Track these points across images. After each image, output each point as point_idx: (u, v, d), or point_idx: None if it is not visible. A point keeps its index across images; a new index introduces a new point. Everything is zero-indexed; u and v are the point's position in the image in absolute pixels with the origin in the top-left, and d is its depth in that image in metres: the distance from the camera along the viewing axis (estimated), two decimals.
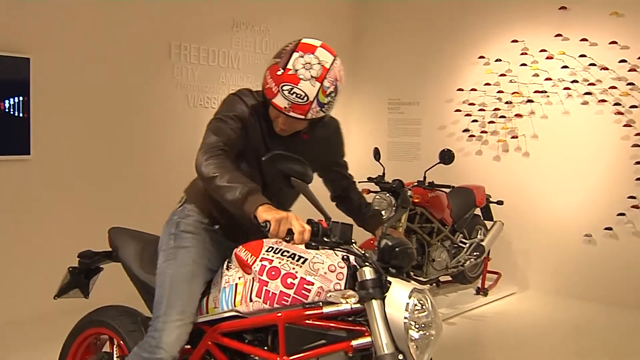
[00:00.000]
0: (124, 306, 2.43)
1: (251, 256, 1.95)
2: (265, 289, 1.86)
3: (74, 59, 4.62)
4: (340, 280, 1.81)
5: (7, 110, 4.24)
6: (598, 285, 5.36)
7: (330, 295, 1.74)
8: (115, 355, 2.41)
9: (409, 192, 4.59)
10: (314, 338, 1.80)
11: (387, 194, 4.52)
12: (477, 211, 5.42)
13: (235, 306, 1.95)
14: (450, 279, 5.43)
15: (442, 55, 6.34)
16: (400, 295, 1.70)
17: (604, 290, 5.32)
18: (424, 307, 1.73)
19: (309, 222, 1.73)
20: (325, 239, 1.73)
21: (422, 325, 1.71)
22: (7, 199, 4.31)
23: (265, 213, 1.68)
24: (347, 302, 1.74)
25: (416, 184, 4.75)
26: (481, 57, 6.06)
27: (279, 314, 1.83)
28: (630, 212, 5.19)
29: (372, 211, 2.40)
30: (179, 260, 2.06)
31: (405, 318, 1.67)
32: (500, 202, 5.34)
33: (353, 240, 1.81)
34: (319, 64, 1.89)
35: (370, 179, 4.75)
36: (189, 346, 2.09)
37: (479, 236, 5.21)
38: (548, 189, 5.67)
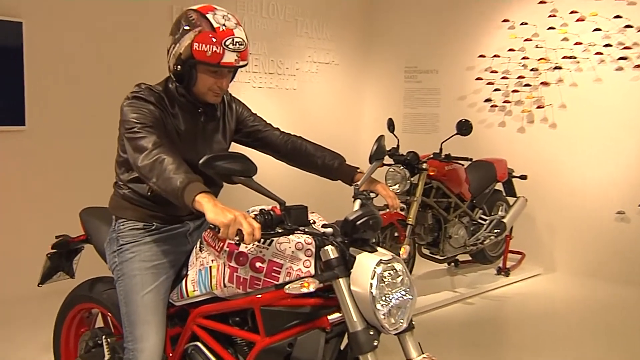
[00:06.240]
0: (109, 277, 2.44)
1: (218, 241, 2.01)
2: (236, 275, 1.93)
3: (70, 23, 4.61)
4: (309, 257, 1.87)
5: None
6: (631, 267, 5.30)
7: (288, 288, 1.77)
8: (109, 332, 2.51)
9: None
10: (292, 317, 1.88)
11: (401, 167, 4.50)
12: (499, 186, 5.42)
13: (212, 289, 2.03)
14: (470, 258, 5.44)
15: (463, 19, 6.33)
16: (365, 271, 1.74)
17: (638, 271, 5.26)
18: (392, 275, 1.77)
19: (262, 212, 1.79)
20: (279, 229, 1.80)
21: (398, 294, 1.77)
22: (1, 170, 4.38)
23: (215, 215, 1.69)
24: (307, 289, 1.75)
25: (432, 156, 4.72)
26: (505, 20, 6.02)
27: (259, 296, 1.89)
28: None
29: (335, 160, 2.42)
30: (126, 274, 2.18)
31: (371, 293, 1.71)
32: (523, 177, 5.34)
33: (311, 221, 1.90)
34: (228, 13, 2.06)
35: None
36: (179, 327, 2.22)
37: (500, 212, 5.25)
38: (577, 162, 5.64)
